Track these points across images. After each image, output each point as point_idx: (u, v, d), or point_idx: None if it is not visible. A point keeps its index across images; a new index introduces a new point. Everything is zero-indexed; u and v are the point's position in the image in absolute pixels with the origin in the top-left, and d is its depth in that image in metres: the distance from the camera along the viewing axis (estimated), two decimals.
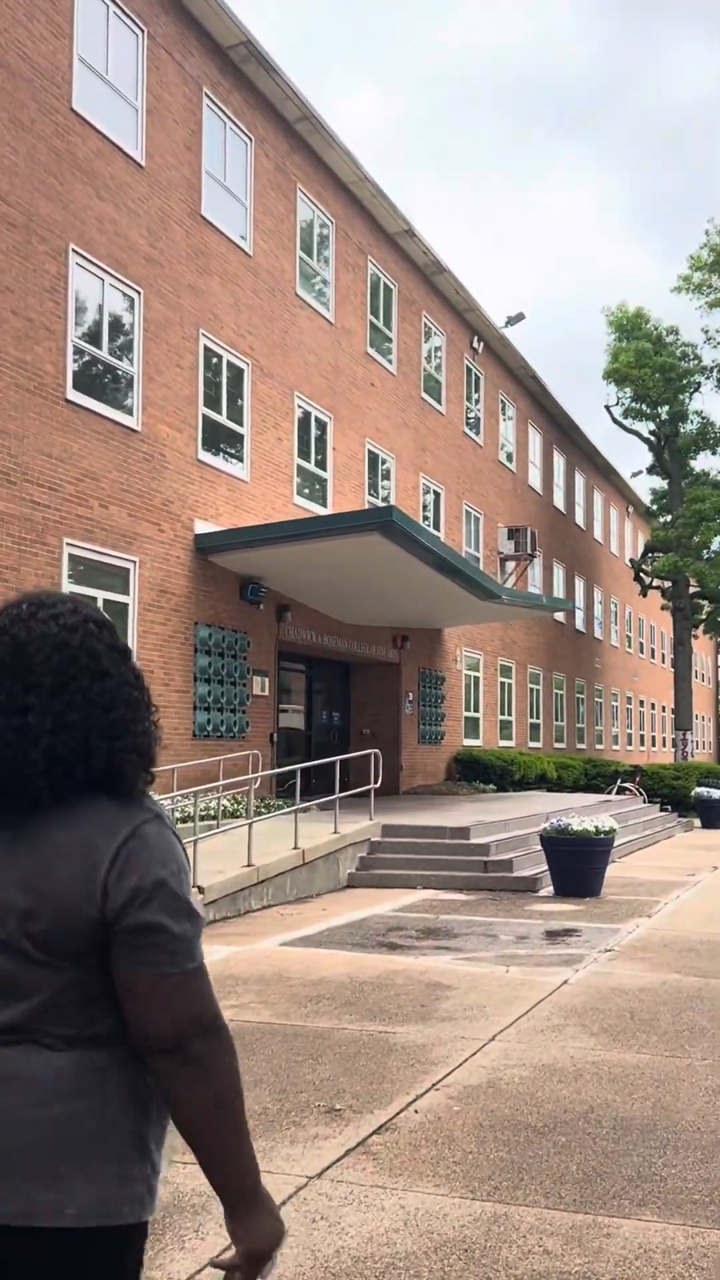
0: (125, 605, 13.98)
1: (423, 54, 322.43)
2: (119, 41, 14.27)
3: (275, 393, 17.68)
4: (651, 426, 35.71)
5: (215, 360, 16.16)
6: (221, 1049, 1.57)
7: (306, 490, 18.84)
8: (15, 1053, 1.55)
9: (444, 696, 24.07)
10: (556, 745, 32.43)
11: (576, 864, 12.17)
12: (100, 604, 13.62)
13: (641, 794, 25.47)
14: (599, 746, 37.25)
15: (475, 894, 12.43)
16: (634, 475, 40.26)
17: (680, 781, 27.59)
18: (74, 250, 13.25)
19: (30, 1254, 1.51)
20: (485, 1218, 3.88)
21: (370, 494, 20.94)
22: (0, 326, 12.05)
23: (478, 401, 26.80)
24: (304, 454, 18.67)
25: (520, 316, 27.78)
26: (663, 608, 38.45)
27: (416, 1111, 5.00)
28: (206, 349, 15.89)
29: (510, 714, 28.63)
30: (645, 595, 38.53)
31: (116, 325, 14.14)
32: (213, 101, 16.13)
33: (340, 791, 13.56)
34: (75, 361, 13.27)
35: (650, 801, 24.69)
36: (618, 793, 25.22)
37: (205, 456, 15.78)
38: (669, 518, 35.87)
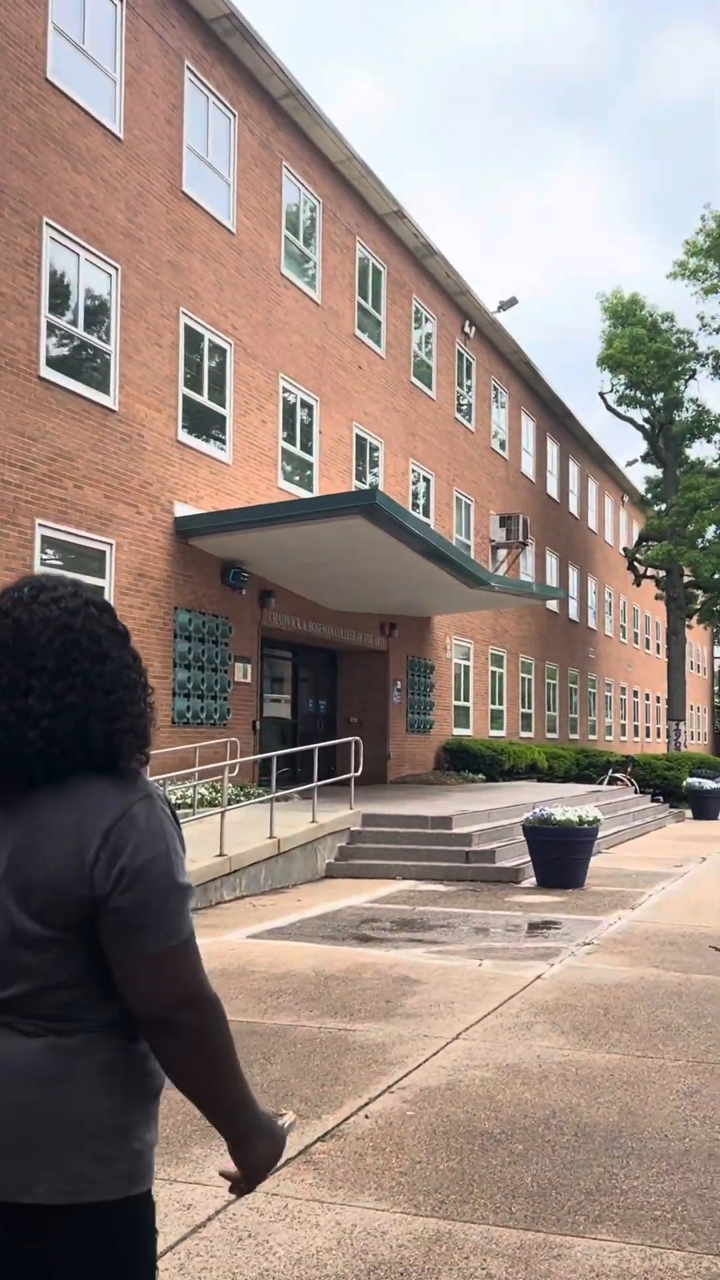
0: (101, 589, 13.64)
1: (423, 45, 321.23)
2: (96, 11, 13.90)
3: (259, 374, 17.34)
4: (646, 414, 35.38)
5: (197, 339, 15.81)
6: (209, 1019, 1.62)
7: (297, 478, 18.52)
8: None
9: (433, 685, 23.77)
10: (549, 735, 32.14)
11: (559, 854, 11.88)
12: None
13: (633, 784, 25.19)
14: (592, 737, 36.97)
15: (456, 885, 12.14)
16: (629, 464, 39.96)
17: (672, 772, 27.33)
18: (48, 224, 12.91)
19: (14, 1229, 1.58)
20: (427, 1236, 3.58)
21: (358, 479, 20.61)
22: None
23: (469, 387, 26.45)
24: (289, 437, 18.34)
25: (513, 301, 27.41)
26: (657, 597, 38.16)
27: (367, 1116, 4.71)
28: (187, 328, 15.54)
29: (501, 703, 28.34)
30: (639, 584, 38.24)
31: (93, 302, 13.79)
32: (195, 75, 15.76)
33: (325, 780, 13.24)
34: (49, 338, 12.94)
35: (642, 792, 24.41)
36: (609, 783, 24.93)
37: (186, 438, 15.45)
38: (663, 506, 35.55)
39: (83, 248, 13.47)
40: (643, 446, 37.44)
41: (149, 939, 1.58)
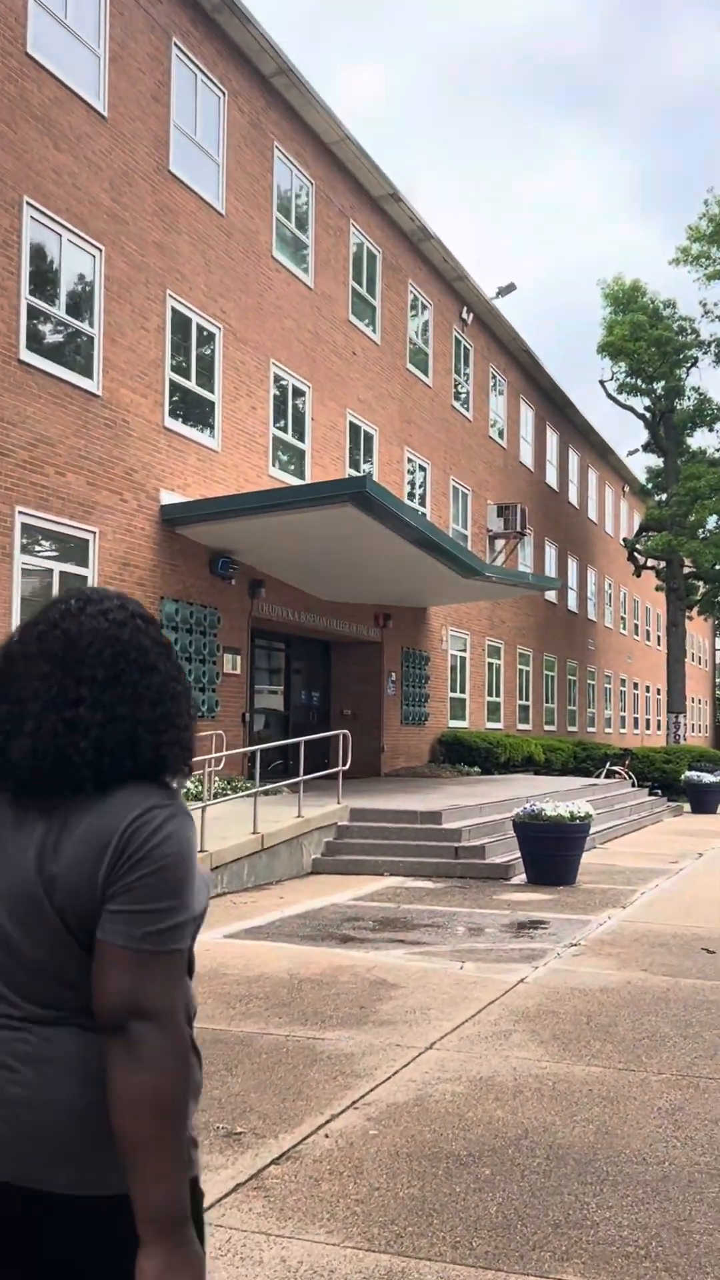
0: (84, 578, 13.35)
1: (428, 32, 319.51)
2: None
3: (249, 359, 17.01)
4: (647, 402, 34.98)
5: (184, 323, 15.48)
6: (167, 1044, 1.50)
7: (292, 466, 18.20)
8: (54, 1033, 1.57)
9: (428, 677, 23.46)
10: (547, 728, 31.83)
11: (550, 851, 11.60)
12: (57, 576, 13.02)
13: (631, 777, 24.90)
14: (591, 729, 36.65)
15: (444, 882, 11.86)
16: (630, 454, 39.57)
17: (671, 765, 27.04)
18: (28, 203, 12.57)
19: (49, 1219, 1.53)
20: (378, 1275, 3.30)
21: (352, 468, 20.27)
22: None
23: (467, 375, 26.09)
24: (280, 424, 18.00)
25: (511, 287, 27.05)
26: (657, 588, 37.79)
27: (327, 1136, 4.42)
28: (174, 311, 15.21)
29: (498, 695, 28.02)
30: (639, 575, 37.86)
31: (75, 283, 13.47)
32: (182, 51, 15.40)
33: (316, 773, 12.95)
34: (29, 321, 12.61)
35: (640, 785, 24.12)
36: (606, 776, 24.65)
37: (173, 424, 15.13)
38: (664, 496, 35.18)
39: (65, 228, 13.14)
40: (643, 435, 37.08)
41: (130, 935, 1.51)
